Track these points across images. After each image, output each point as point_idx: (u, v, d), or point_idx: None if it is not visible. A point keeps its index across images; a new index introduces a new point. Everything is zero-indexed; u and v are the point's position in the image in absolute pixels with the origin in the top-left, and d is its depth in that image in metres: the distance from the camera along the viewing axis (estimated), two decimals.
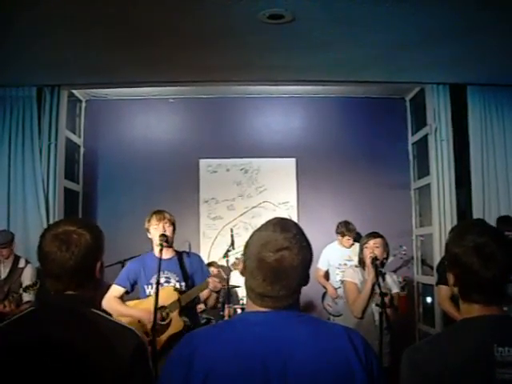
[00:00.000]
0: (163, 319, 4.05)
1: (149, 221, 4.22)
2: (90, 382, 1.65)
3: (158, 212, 4.25)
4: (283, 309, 1.59)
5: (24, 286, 4.90)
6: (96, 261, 1.87)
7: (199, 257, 4.58)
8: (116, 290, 4.21)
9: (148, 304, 4.03)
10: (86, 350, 1.67)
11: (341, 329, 1.66)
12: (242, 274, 1.68)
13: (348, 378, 1.49)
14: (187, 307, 4.10)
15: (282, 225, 1.63)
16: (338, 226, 6.41)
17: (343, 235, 6.33)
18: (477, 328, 1.69)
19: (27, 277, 5.26)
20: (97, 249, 1.87)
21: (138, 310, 4.08)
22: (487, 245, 1.71)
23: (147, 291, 4.16)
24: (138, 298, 4.25)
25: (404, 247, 6.19)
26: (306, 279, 1.63)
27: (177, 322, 4.03)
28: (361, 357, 1.53)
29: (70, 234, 1.80)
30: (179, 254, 4.31)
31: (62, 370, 1.65)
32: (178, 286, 4.16)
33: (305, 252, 1.61)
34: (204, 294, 4.41)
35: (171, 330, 4.02)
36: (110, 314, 1.89)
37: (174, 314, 4.06)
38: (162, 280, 4.08)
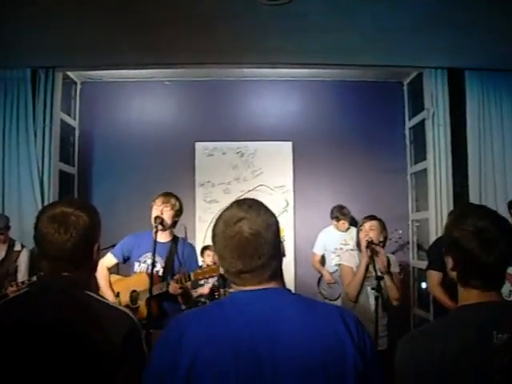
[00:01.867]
0: (133, 302, 4.11)
1: (154, 200, 4.19)
2: (83, 364, 1.64)
3: (165, 194, 4.22)
4: (266, 284, 1.58)
5: (20, 281, 4.87)
6: (94, 242, 1.87)
7: (193, 248, 4.50)
8: (109, 259, 4.29)
9: (123, 285, 4.20)
10: (79, 332, 1.66)
11: (333, 307, 1.67)
12: (218, 262, 1.68)
13: (339, 356, 1.48)
14: (162, 295, 4.03)
15: (237, 202, 1.67)
16: (332, 211, 6.44)
17: (338, 219, 6.35)
18: (476, 315, 1.67)
19: (23, 261, 5.27)
20: (94, 230, 1.86)
21: (110, 293, 4.18)
22: (488, 229, 1.68)
23: (136, 268, 4.18)
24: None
25: (400, 231, 6.18)
26: (276, 246, 1.61)
27: (143, 310, 4.01)
28: (353, 335, 1.51)
29: (68, 216, 1.78)
30: (175, 240, 4.28)
31: (54, 352, 1.64)
32: (154, 270, 4.05)
33: (263, 218, 1.60)
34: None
35: (138, 316, 4.00)
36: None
37: (143, 302, 4.05)
38: (149, 261, 4.05)
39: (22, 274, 5.23)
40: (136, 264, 4.18)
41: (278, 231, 1.64)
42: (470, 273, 1.72)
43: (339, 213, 6.35)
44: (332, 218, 6.43)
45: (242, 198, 1.75)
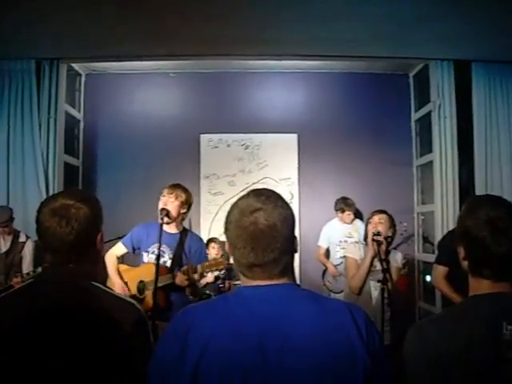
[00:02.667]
0: (140, 292, 4.10)
1: (161, 192, 4.17)
2: (90, 355, 1.64)
3: (172, 186, 4.20)
4: (276, 279, 1.55)
5: (25, 273, 4.87)
6: (96, 233, 1.86)
7: (202, 241, 4.50)
8: (119, 248, 4.28)
9: (131, 275, 4.19)
10: (86, 323, 1.66)
11: (342, 304, 1.63)
12: (228, 251, 1.65)
13: (349, 354, 1.45)
14: (169, 287, 4.02)
15: (255, 191, 1.63)
16: (336, 203, 6.43)
17: (343, 211, 6.33)
18: (486, 305, 1.65)
19: (28, 251, 5.30)
20: (96, 221, 1.86)
21: (118, 279, 4.17)
22: (501, 219, 1.67)
23: (145, 258, 4.18)
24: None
25: (405, 223, 6.16)
26: (290, 240, 1.58)
27: (149, 301, 4.01)
28: (362, 333, 1.49)
29: (69, 209, 1.77)
30: (184, 233, 4.27)
31: (61, 343, 1.63)
32: (161, 261, 4.06)
33: (280, 211, 1.56)
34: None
35: (144, 307, 3.99)
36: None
37: (149, 293, 4.04)
38: (157, 251, 4.02)
39: (26, 265, 5.25)
40: (145, 254, 4.17)
41: (293, 225, 1.61)
42: (480, 262, 1.71)
43: (344, 204, 6.34)
44: (336, 209, 6.42)
45: (260, 187, 1.71)
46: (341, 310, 1.55)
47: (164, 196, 4.11)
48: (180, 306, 2.09)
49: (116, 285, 4.12)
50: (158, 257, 3.87)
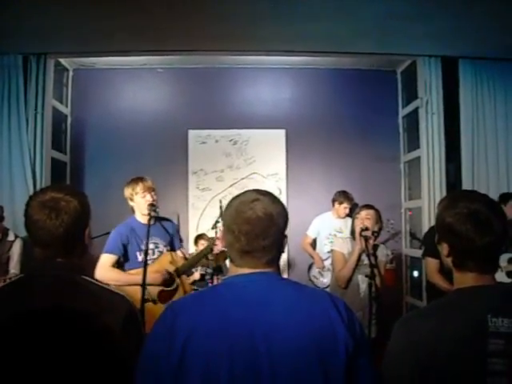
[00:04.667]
0: (169, 285, 4.06)
1: (133, 189, 4.17)
2: (82, 348, 1.64)
3: (142, 180, 4.21)
4: (262, 268, 1.62)
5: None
6: (85, 227, 1.87)
7: (173, 222, 4.57)
8: (109, 258, 4.03)
9: (154, 268, 4.04)
10: (78, 316, 1.66)
11: (323, 292, 1.77)
12: (222, 237, 1.74)
13: (331, 338, 1.52)
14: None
15: (255, 189, 1.73)
16: (335, 194, 6.33)
17: (341, 203, 6.26)
18: (471, 298, 1.68)
19: (16, 251, 5.23)
20: (85, 215, 1.87)
21: (149, 274, 3.85)
22: (481, 211, 1.70)
23: (138, 258, 4.07)
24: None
25: (392, 221, 6.18)
26: (282, 233, 1.67)
27: (185, 287, 4.03)
28: (343, 317, 1.56)
29: (58, 202, 1.78)
30: (158, 219, 4.27)
31: (54, 337, 1.63)
32: (165, 250, 4.16)
33: (277, 205, 1.68)
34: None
35: (178, 296, 4.00)
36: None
37: (179, 280, 4.08)
38: (152, 246, 4.07)
39: (13, 264, 5.20)
40: (137, 253, 4.10)
41: (287, 222, 1.70)
42: (465, 255, 1.73)
43: (343, 196, 6.24)
44: (334, 200, 6.34)
45: (235, 189, 1.80)
46: (323, 297, 1.64)
47: (143, 192, 4.14)
48: None
49: (130, 279, 3.97)
50: (146, 251, 3.87)
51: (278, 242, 1.64)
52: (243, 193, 1.72)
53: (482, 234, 1.67)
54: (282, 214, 1.67)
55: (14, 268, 5.11)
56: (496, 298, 1.68)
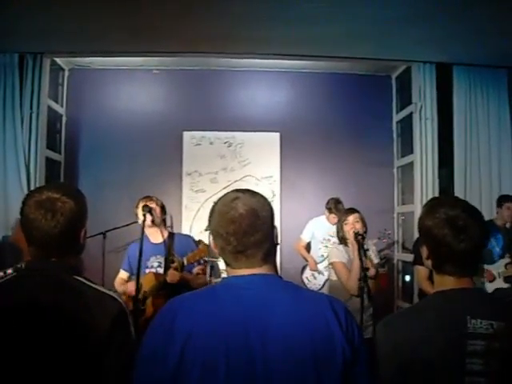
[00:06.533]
0: (142, 303, 4.10)
1: (136, 206, 4.27)
2: (70, 346, 1.65)
3: (145, 197, 4.33)
4: (259, 267, 1.62)
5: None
6: (81, 228, 1.87)
7: (188, 238, 4.60)
8: (122, 274, 4.46)
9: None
10: (68, 315, 1.67)
11: (321, 295, 1.74)
12: (212, 244, 1.73)
13: (328, 341, 1.51)
14: (173, 289, 4.02)
15: (236, 189, 1.73)
16: (328, 202, 6.29)
17: (330, 212, 6.25)
18: (450, 300, 1.73)
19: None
20: (81, 216, 1.87)
21: (124, 286, 4.26)
22: (460, 217, 1.74)
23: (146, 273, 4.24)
24: None
25: (389, 231, 6.17)
26: (270, 226, 1.67)
27: (150, 307, 4.06)
28: (341, 323, 1.55)
29: (55, 202, 1.78)
30: (170, 237, 4.33)
31: (42, 335, 1.65)
32: (161, 271, 4.19)
33: (258, 198, 1.67)
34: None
35: (147, 314, 4.04)
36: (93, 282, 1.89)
37: (149, 301, 4.10)
38: (156, 264, 4.20)
39: None
40: (147, 271, 4.23)
41: (272, 212, 1.69)
42: (443, 260, 1.79)
43: (334, 205, 6.21)
44: (326, 208, 6.34)
45: (231, 188, 1.80)
46: (320, 300, 1.63)
47: (141, 204, 4.22)
48: None
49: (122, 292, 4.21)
50: (139, 265, 3.86)
51: (269, 234, 1.64)
52: (223, 195, 1.71)
53: (459, 239, 1.72)
54: (265, 207, 1.66)
55: None
56: (474, 300, 1.73)
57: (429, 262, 1.85)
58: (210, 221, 1.71)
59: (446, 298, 1.74)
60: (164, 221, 4.33)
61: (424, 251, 1.86)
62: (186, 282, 4.12)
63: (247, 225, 1.59)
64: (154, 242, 4.18)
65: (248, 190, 1.70)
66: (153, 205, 4.19)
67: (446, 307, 1.71)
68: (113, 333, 1.69)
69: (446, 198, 2.01)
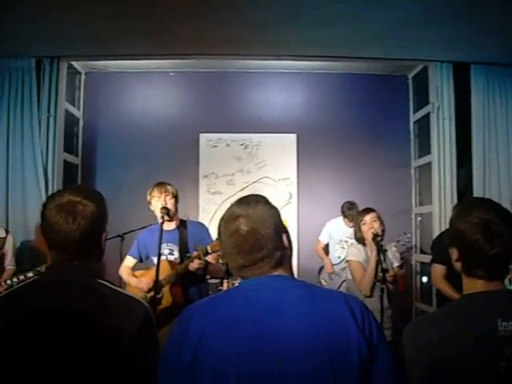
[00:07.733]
0: (157, 292, 4.09)
1: (150, 193, 4.24)
2: (96, 352, 1.65)
3: (160, 184, 4.27)
4: (270, 272, 1.62)
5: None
6: (101, 231, 1.87)
7: (202, 225, 4.59)
8: (128, 260, 4.42)
9: (146, 277, 4.20)
10: (92, 320, 1.66)
11: (336, 292, 1.72)
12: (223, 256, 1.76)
13: (343, 340, 1.49)
14: (188, 279, 4.09)
15: (238, 200, 1.73)
16: (342, 206, 6.29)
17: (344, 216, 6.25)
18: (480, 303, 1.71)
19: (9, 247, 5.21)
20: (102, 219, 1.87)
21: (137, 280, 4.25)
22: (493, 222, 1.72)
23: (155, 261, 4.13)
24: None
25: (408, 234, 6.09)
26: (278, 238, 1.65)
27: (168, 297, 4.05)
28: (357, 319, 1.53)
29: (76, 205, 1.77)
30: (183, 224, 4.33)
31: (68, 341, 1.64)
32: (173, 258, 4.19)
33: (260, 213, 1.64)
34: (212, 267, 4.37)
35: (164, 304, 4.06)
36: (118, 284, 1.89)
37: (166, 289, 4.09)
38: (166, 251, 4.18)
39: (8, 260, 5.18)
40: (155, 258, 4.15)
41: (279, 223, 1.68)
42: (474, 264, 1.76)
43: (347, 209, 6.20)
44: (341, 211, 6.33)
45: (246, 193, 1.80)
46: (335, 298, 1.61)
47: (159, 196, 4.19)
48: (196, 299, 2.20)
49: (132, 283, 4.25)
50: (159, 255, 3.90)
51: (276, 247, 1.63)
52: (228, 209, 1.70)
53: (491, 244, 1.70)
54: (267, 223, 1.63)
55: (9, 264, 5.12)
56: (505, 303, 1.70)
57: (458, 265, 1.83)
58: (218, 238, 1.72)
59: (476, 300, 1.72)
60: (176, 209, 4.31)
61: (454, 253, 1.83)
62: (205, 269, 4.13)
63: (251, 245, 1.60)
64: (166, 228, 4.12)
65: (249, 204, 1.67)
66: (169, 202, 4.18)
67: (475, 310, 1.69)
68: (140, 337, 1.69)
69: (479, 201, 1.99)
